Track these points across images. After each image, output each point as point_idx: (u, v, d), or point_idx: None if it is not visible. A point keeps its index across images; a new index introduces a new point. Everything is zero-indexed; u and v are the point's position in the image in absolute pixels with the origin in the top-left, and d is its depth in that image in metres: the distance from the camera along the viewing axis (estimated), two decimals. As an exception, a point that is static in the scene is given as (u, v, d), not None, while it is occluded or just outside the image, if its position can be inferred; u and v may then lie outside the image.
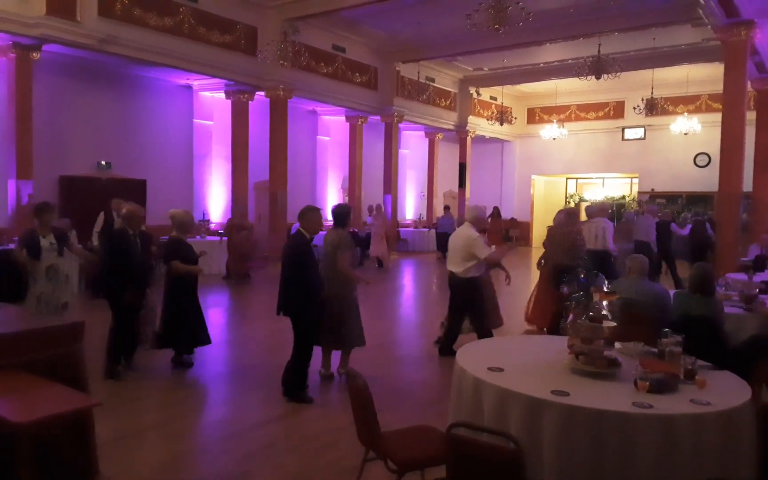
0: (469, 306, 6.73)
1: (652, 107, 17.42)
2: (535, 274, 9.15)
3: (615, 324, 3.46)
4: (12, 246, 9.19)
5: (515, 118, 22.02)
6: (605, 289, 3.51)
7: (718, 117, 12.71)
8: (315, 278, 5.41)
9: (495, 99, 22.33)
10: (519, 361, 3.60)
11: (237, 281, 12.56)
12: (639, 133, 21.72)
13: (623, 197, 22.21)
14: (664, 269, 12.90)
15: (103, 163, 13.42)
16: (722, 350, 4.33)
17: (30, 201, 11.07)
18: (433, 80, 19.88)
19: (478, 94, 21.39)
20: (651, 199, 20.47)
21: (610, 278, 4.14)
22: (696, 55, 16.21)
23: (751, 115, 13.34)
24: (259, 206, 16.32)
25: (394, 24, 15.64)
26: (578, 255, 7.62)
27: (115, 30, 11.24)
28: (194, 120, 15.50)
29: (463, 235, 6.65)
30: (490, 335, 6.35)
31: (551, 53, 17.44)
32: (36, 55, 11.09)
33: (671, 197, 20.06)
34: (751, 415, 3.00)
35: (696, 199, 19.96)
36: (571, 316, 3.52)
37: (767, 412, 3.17)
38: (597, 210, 9.59)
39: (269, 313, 10.51)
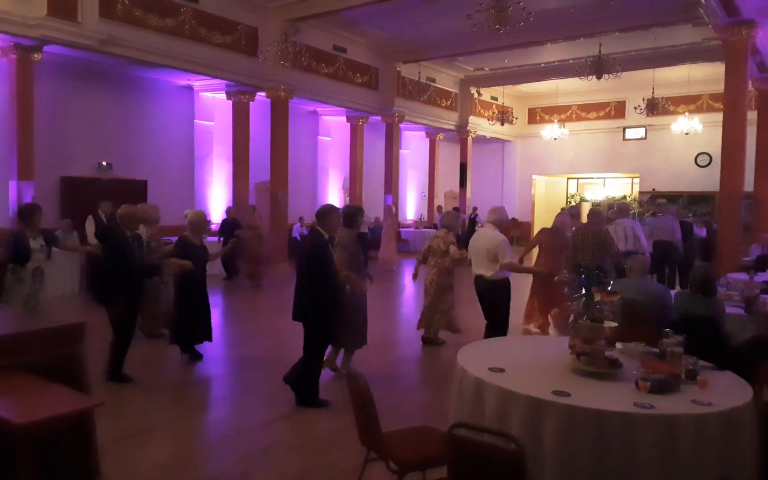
0: (495, 306, 6.57)
1: (653, 107, 17.40)
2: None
3: (616, 324, 3.46)
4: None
5: (516, 118, 21.98)
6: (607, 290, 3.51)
7: (719, 117, 12.70)
8: (335, 279, 5.30)
9: (496, 99, 22.32)
10: (520, 361, 3.60)
11: (251, 284, 12.53)
12: (640, 132, 21.71)
13: (624, 197, 22.19)
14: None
15: (104, 163, 13.43)
16: (723, 350, 4.33)
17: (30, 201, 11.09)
18: (433, 80, 19.88)
19: (479, 94, 21.38)
20: (652, 199, 20.46)
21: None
22: (697, 54, 16.19)
23: (752, 115, 13.32)
24: (260, 207, 16.31)
25: (394, 24, 15.64)
26: (608, 254, 7.58)
27: (116, 31, 11.24)
28: (195, 121, 15.51)
29: (487, 236, 6.52)
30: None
31: (552, 53, 17.42)
32: (37, 56, 11.09)
33: (672, 197, 20.03)
34: (753, 416, 3.00)
35: (697, 199, 19.94)
36: (572, 317, 3.53)
37: (769, 412, 3.17)
38: (618, 212, 9.57)
39: (270, 313, 10.56)
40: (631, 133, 21.93)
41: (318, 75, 15.71)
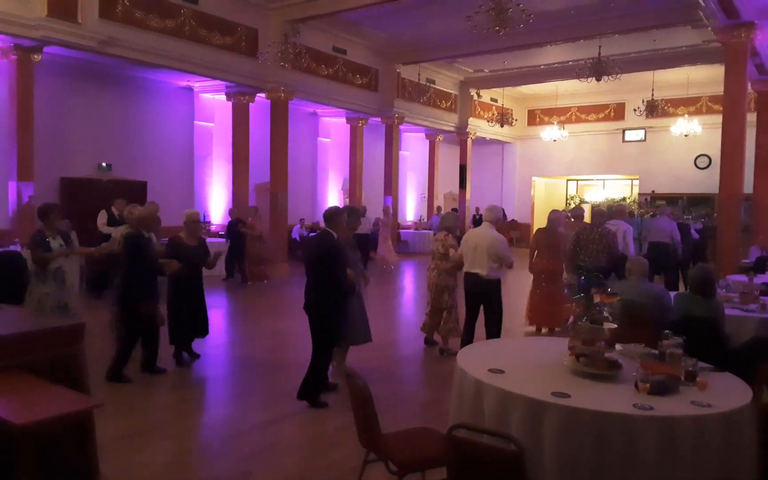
0: (492, 306, 6.62)
1: (653, 109, 17.40)
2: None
3: (616, 326, 3.46)
4: (13, 247, 9.22)
5: (516, 120, 22.01)
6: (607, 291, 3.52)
7: (718, 119, 12.70)
8: (346, 278, 5.42)
9: (495, 101, 22.33)
10: (520, 362, 3.60)
11: (254, 285, 12.70)
12: (639, 134, 21.72)
13: (624, 199, 22.21)
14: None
15: (104, 164, 13.43)
16: (723, 352, 4.33)
17: (30, 202, 11.09)
18: (433, 82, 19.89)
19: (479, 95, 21.38)
20: (653, 200, 20.46)
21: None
22: (696, 56, 16.20)
23: (751, 117, 13.32)
24: (260, 208, 16.31)
25: (394, 26, 15.65)
26: (610, 255, 7.57)
27: (116, 32, 11.24)
28: (195, 122, 15.51)
29: (487, 236, 6.52)
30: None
31: (552, 55, 17.43)
32: (37, 57, 11.10)
33: (672, 199, 20.05)
34: (752, 417, 3.00)
35: (697, 201, 19.96)
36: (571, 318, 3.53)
37: (768, 413, 3.18)
38: (617, 211, 9.57)
39: (270, 313, 10.56)
40: (630, 135, 21.94)
41: (318, 76, 15.72)
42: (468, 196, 21.48)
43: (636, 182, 22.31)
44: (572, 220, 9.68)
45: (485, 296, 6.58)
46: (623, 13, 13.51)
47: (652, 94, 17.47)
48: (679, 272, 11.37)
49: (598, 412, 2.84)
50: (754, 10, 11.08)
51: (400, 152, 19.84)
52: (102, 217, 10.04)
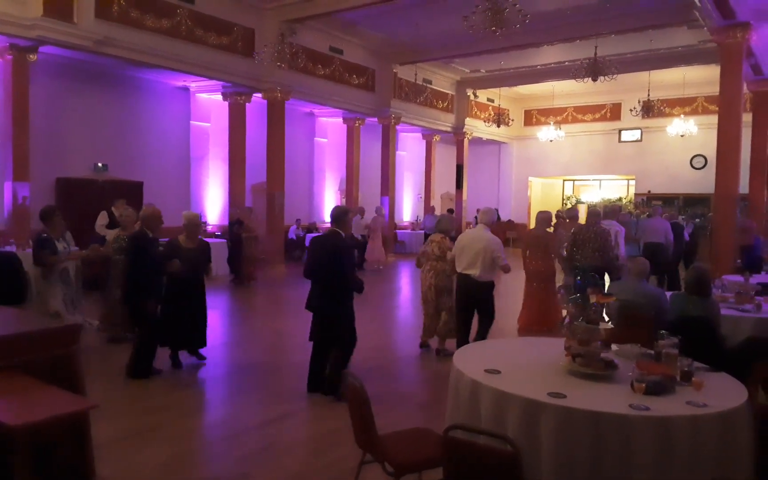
0: (484, 307, 6.68)
1: (649, 109, 17.45)
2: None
3: (612, 326, 3.46)
4: (9, 248, 9.19)
5: (512, 120, 22.06)
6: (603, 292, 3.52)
7: (714, 119, 12.74)
8: (355, 276, 5.62)
9: (492, 101, 22.35)
10: (516, 363, 3.60)
11: (246, 284, 12.72)
12: (636, 135, 21.78)
13: (620, 199, 22.26)
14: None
15: (99, 165, 13.39)
16: (719, 352, 4.34)
17: (23, 203, 11.06)
18: (430, 82, 19.90)
19: (476, 96, 21.41)
20: (648, 200, 20.51)
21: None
22: (692, 57, 16.26)
23: (747, 117, 13.37)
24: (256, 208, 16.30)
25: (391, 26, 15.65)
26: (609, 256, 7.59)
27: (111, 32, 11.22)
28: (191, 122, 15.48)
29: (483, 237, 6.56)
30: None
31: (548, 55, 17.46)
32: (33, 57, 11.06)
33: (668, 199, 20.09)
34: (748, 417, 3.01)
35: (693, 201, 20.01)
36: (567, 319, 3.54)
37: (764, 413, 3.19)
38: (611, 211, 9.60)
39: (269, 314, 10.55)
40: (626, 135, 22.00)
41: (314, 76, 15.71)
42: (465, 196, 21.51)
43: (632, 182, 22.36)
44: (567, 220, 9.71)
45: (477, 298, 6.61)
46: (619, 13, 13.55)
47: (648, 95, 17.51)
48: (665, 274, 11.41)
49: (595, 413, 2.85)
50: (749, 11, 11.11)
51: (397, 152, 19.85)
52: (102, 219, 9.93)
